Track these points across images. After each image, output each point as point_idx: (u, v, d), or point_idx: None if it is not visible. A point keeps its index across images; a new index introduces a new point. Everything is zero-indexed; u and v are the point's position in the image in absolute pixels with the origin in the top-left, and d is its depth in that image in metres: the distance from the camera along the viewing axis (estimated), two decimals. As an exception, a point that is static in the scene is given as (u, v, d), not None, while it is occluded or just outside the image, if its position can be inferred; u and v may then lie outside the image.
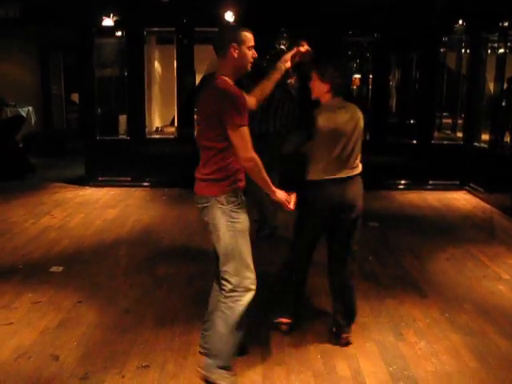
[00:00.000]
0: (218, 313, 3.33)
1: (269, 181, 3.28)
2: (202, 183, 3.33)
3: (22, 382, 3.43)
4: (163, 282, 5.09)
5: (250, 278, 3.31)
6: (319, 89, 3.85)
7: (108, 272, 5.35)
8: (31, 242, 6.25)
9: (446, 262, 5.74)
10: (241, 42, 3.27)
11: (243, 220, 3.32)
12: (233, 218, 3.26)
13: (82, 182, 9.24)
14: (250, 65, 3.35)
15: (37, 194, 8.58)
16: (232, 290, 3.29)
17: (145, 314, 4.42)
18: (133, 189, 8.97)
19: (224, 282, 3.32)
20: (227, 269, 3.30)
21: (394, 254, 5.98)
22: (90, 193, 8.75)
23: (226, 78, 3.25)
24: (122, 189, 8.94)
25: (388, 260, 5.79)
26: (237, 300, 3.28)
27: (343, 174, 3.96)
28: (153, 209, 7.79)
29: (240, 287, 3.29)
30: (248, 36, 3.31)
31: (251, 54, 3.31)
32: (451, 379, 3.53)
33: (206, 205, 3.31)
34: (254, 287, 3.33)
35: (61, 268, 5.41)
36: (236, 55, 3.26)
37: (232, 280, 3.28)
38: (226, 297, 3.30)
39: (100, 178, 9.17)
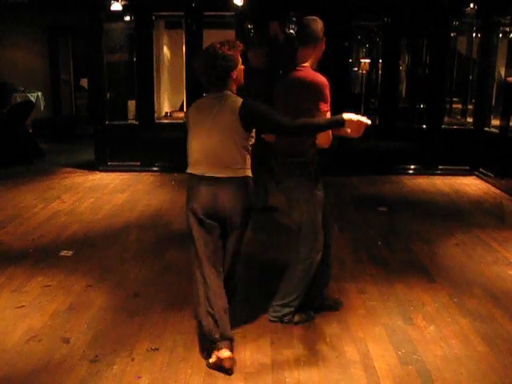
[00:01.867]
0: None
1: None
2: None
3: (32, 363, 3.47)
4: (172, 266, 5.11)
5: None
6: None
7: (117, 256, 5.37)
8: (41, 226, 6.28)
9: (455, 247, 5.73)
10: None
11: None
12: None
13: (91, 166, 9.26)
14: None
15: (46, 179, 8.61)
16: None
17: (154, 297, 4.44)
18: (142, 174, 8.99)
19: None
20: None
21: (402, 239, 5.97)
22: (99, 178, 8.78)
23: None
24: (132, 174, 8.96)
25: (397, 245, 5.78)
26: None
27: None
28: (162, 194, 7.80)
29: None
30: None
31: None
32: (460, 363, 3.53)
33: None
34: None
35: (70, 252, 5.44)
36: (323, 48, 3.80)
37: None
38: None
39: (109, 163, 9.19)
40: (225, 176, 3.41)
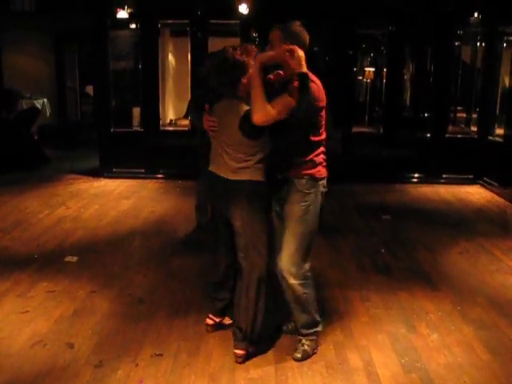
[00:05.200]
0: None
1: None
2: None
3: (37, 368, 3.48)
4: (176, 273, 5.13)
5: None
6: None
7: (122, 262, 5.39)
8: (46, 232, 6.31)
9: (458, 256, 5.74)
10: None
11: None
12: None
13: (96, 173, 9.29)
14: None
15: (51, 185, 8.64)
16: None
17: (158, 304, 4.46)
18: (147, 180, 9.01)
19: None
20: None
21: (406, 247, 5.98)
22: (104, 184, 8.81)
23: None
24: (136, 180, 8.99)
25: (400, 253, 5.79)
26: None
27: None
28: (166, 200, 7.82)
29: None
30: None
31: None
32: (463, 371, 3.54)
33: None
34: None
35: (75, 258, 5.46)
36: None
37: None
38: None
39: (114, 170, 9.21)
40: (234, 179, 3.52)
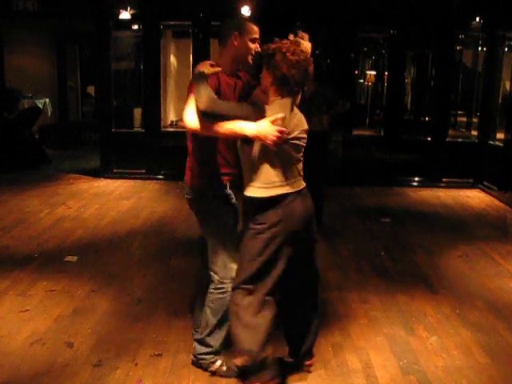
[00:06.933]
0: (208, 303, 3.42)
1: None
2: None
3: (36, 367, 3.49)
4: (176, 273, 5.14)
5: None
6: (264, 79, 3.12)
7: (122, 262, 5.41)
8: (46, 231, 6.32)
9: (458, 259, 5.74)
10: (243, 32, 3.20)
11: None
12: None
13: (96, 173, 9.32)
14: (250, 57, 3.25)
15: (52, 185, 8.66)
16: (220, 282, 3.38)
17: (158, 304, 4.47)
18: (147, 181, 9.03)
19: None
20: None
21: (405, 250, 5.99)
22: (104, 184, 8.82)
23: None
24: (137, 181, 9.01)
25: (399, 256, 5.80)
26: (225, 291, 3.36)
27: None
28: (167, 201, 7.84)
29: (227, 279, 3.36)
30: (253, 28, 3.25)
31: (254, 46, 3.24)
32: (461, 374, 3.54)
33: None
34: None
35: (75, 257, 5.48)
36: (236, 44, 3.19)
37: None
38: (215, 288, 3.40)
39: (115, 170, 9.25)
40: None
